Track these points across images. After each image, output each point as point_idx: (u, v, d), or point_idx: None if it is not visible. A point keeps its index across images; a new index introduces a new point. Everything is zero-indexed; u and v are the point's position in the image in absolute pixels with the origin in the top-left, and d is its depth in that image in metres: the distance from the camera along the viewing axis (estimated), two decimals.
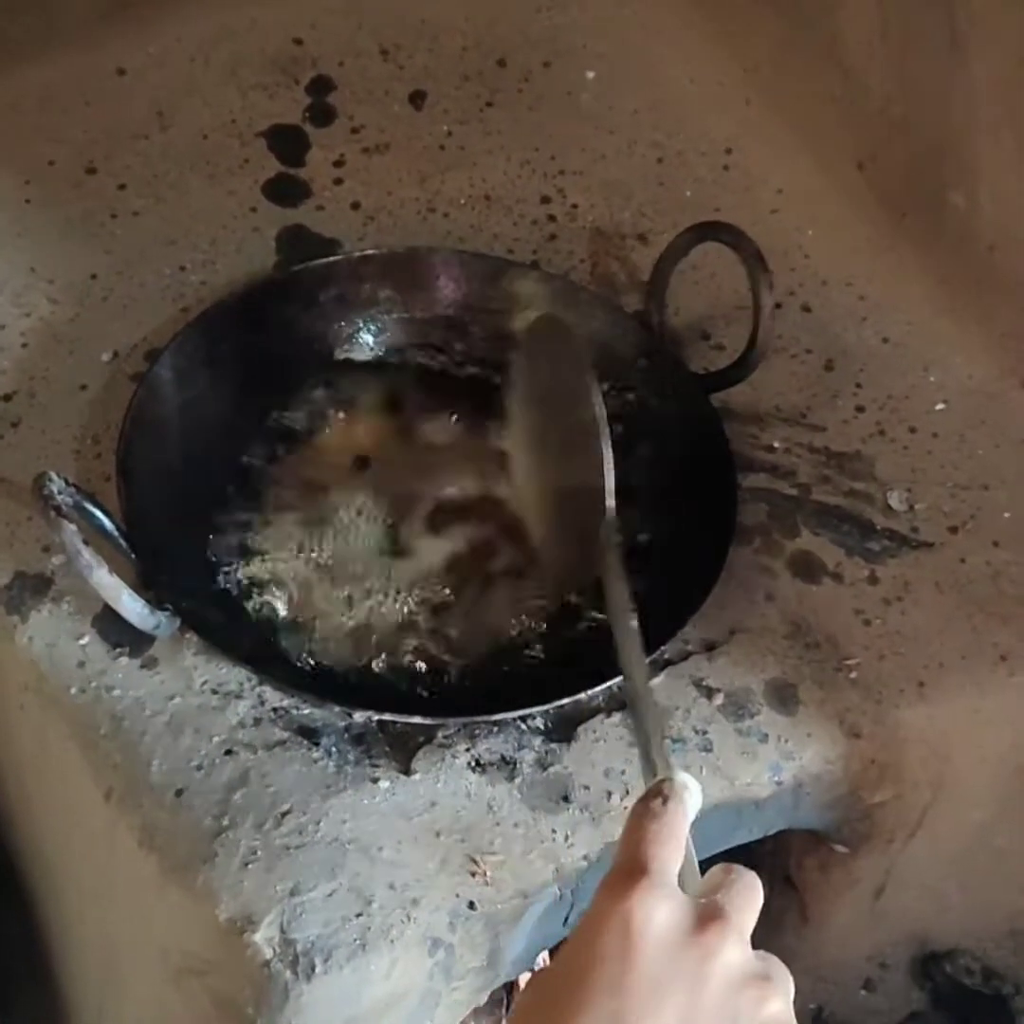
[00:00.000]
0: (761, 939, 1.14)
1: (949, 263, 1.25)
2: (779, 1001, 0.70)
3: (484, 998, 1.02)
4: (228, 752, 0.99)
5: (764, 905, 1.23)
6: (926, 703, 1.06)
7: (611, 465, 0.99)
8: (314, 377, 1.17)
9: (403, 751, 1.00)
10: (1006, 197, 1.18)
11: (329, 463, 1.13)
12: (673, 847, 0.72)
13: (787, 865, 1.20)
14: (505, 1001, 1.24)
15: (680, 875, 0.73)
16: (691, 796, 0.76)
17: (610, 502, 0.99)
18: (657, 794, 0.75)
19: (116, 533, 1.02)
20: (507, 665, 1.05)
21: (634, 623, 0.91)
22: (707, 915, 0.70)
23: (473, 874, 0.96)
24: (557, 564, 1.07)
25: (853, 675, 1.07)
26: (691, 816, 0.75)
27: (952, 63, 1.19)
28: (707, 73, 1.42)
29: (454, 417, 1.17)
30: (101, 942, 1.12)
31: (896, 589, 1.11)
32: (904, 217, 1.28)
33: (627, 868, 0.71)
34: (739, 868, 0.74)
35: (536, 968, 1.05)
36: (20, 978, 1.25)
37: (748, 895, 0.72)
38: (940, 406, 1.22)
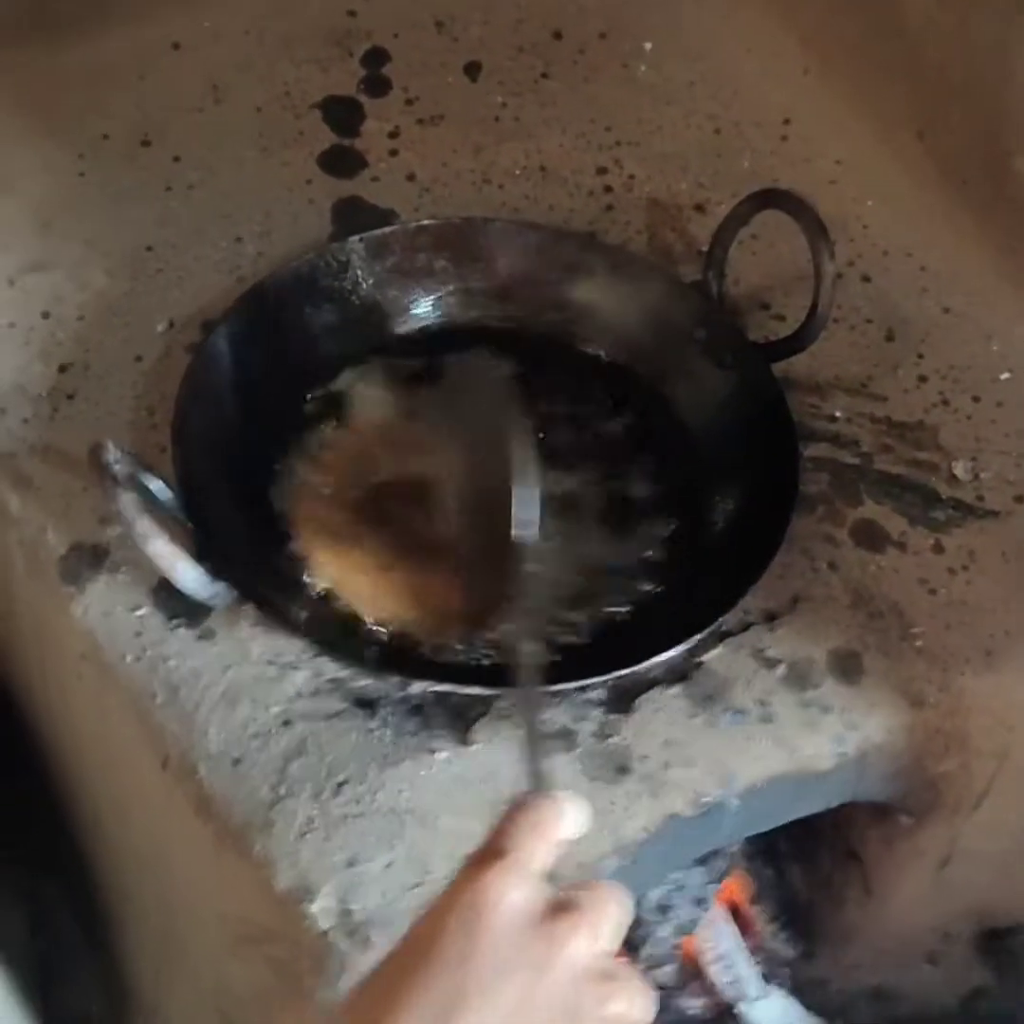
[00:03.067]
0: (824, 913, 1.14)
1: (1011, 231, 1.23)
2: (622, 1003, 0.69)
3: None
4: (285, 722, 0.98)
5: (826, 879, 1.23)
6: (992, 672, 1.05)
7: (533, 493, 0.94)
8: (369, 347, 1.17)
9: (461, 722, 1.00)
10: None
11: (383, 433, 1.12)
12: (539, 840, 0.72)
13: (850, 838, 1.19)
14: None
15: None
16: (574, 812, 0.75)
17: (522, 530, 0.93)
18: (535, 797, 0.75)
19: (172, 503, 1.02)
20: (567, 635, 1.04)
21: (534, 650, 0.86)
22: (560, 907, 0.70)
23: None
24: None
25: (918, 644, 1.05)
26: (570, 830, 0.74)
27: (1012, 29, 1.17)
28: (764, 43, 1.40)
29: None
30: (159, 910, 1.12)
31: (961, 558, 1.10)
32: (965, 185, 1.26)
33: (487, 851, 0.72)
34: (610, 883, 0.74)
35: None
36: (79, 945, 1.26)
37: (609, 900, 0.72)
38: (1004, 375, 1.20)
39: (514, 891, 0.69)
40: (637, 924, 1.22)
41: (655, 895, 1.21)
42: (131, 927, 1.20)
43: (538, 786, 0.78)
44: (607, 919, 0.71)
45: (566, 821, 0.74)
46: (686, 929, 1.25)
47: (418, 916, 0.71)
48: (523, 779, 0.79)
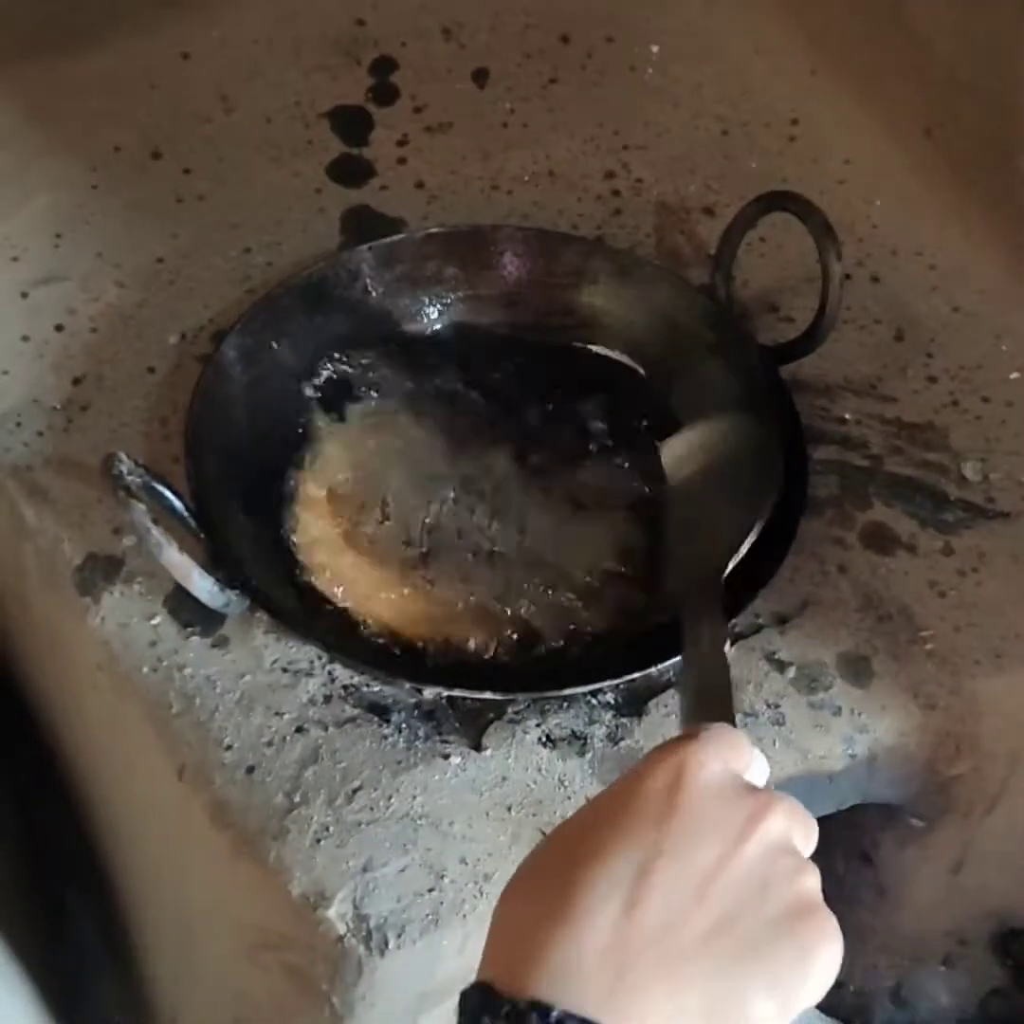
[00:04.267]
0: (838, 915, 1.13)
1: (1021, 230, 1.23)
2: (812, 879, 0.70)
3: None
4: (299, 729, 0.99)
5: (839, 881, 1.23)
6: (1003, 674, 1.05)
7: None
8: (379, 356, 1.17)
9: (474, 727, 1.00)
10: None
11: (397, 440, 1.13)
12: (737, 743, 0.73)
13: (862, 841, 1.19)
14: None
15: None
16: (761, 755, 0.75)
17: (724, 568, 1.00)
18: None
19: (185, 513, 1.02)
20: (577, 640, 1.05)
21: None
22: (756, 790, 0.71)
23: None
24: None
25: (928, 647, 1.05)
26: (758, 766, 0.75)
27: (1021, 25, 1.17)
28: (771, 44, 1.40)
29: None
30: (176, 917, 1.13)
31: (971, 560, 1.10)
32: (974, 184, 1.26)
33: (682, 736, 0.73)
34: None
35: None
36: (97, 953, 1.26)
37: (802, 809, 0.72)
38: (1014, 375, 1.20)
39: (714, 764, 0.70)
40: None
41: None
42: (149, 935, 1.21)
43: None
44: (801, 817, 0.71)
45: (756, 755, 0.75)
46: None
47: (607, 790, 0.72)
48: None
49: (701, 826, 0.68)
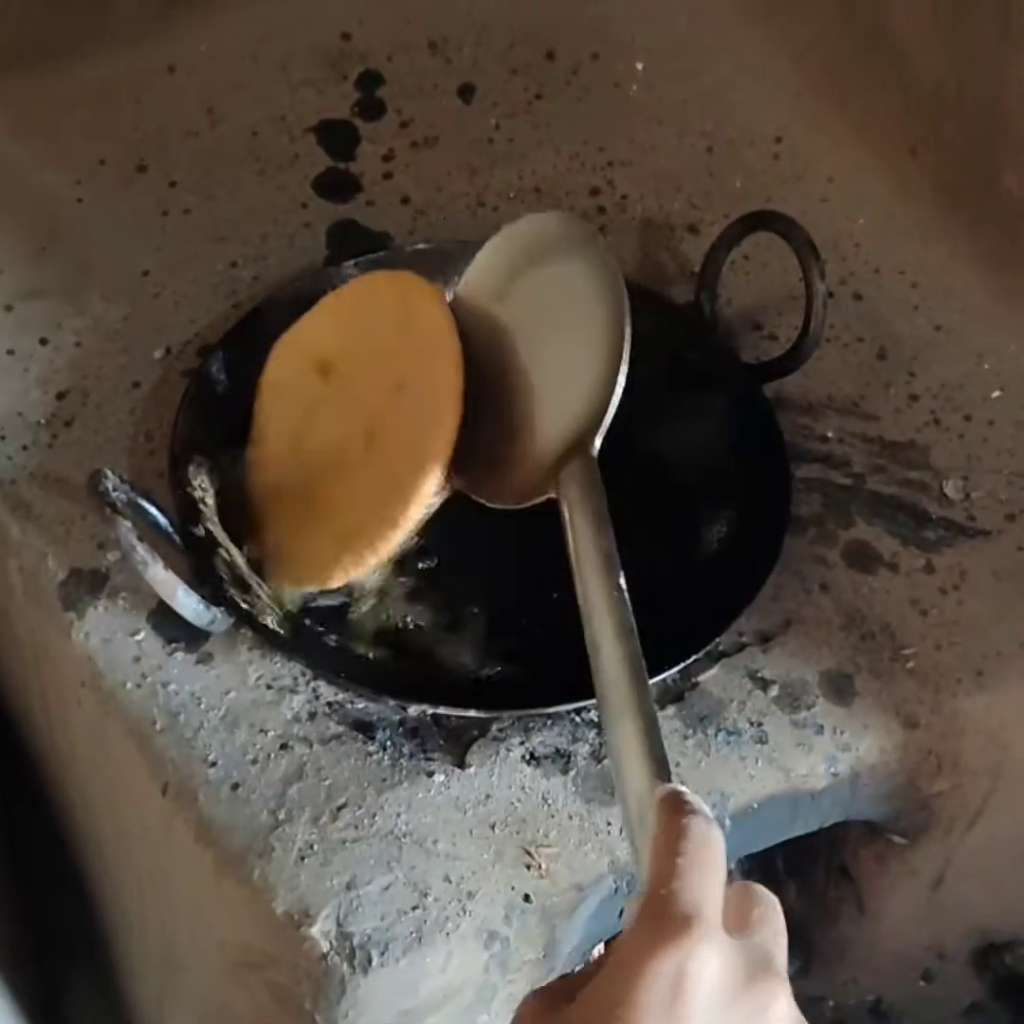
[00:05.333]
0: (819, 930, 1.14)
1: (1003, 249, 1.24)
2: None
3: None
4: (283, 746, 0.99)
5: (821, 896, 1.24)
6: (984, 692, 1.06)
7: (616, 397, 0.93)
8: None
9: (458, 745, 1.00)
10: None
11: None
12: (717, 880, 0.65)
13: (843, 856, 1.19)
14: None
15: None
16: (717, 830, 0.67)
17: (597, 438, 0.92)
18: (681, 807, 0.67)
19: (170, 529, 1.03)
20: (562, 657, 1.05)
21: (620, 581, 0.82)
22: (759, 966, 0.64)
23: (528, 867, 0.96)
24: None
25: (910, 665, 1.06)
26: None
27: (1005, 44, 1.18)
28: (756, 62, 1.41)
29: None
30: (160, 935, 1.13)
31: (953, 578, 1.10)
32: (957, 202, 1.27)
33: (673, 914, 0.63)
34: (762, 894, 0.69)
35: (590, 958, 1.04)
36: (81, 970, 1.26)
37: (781, 929, 0.67)
38: (996, 393, 1.21)
39: (714, 962, 0.62)
40: None
41: None
42: (134, 953, 1.21)
43: (662, 775, 0.71)
44: (785, 953, 0.67)
45: (722, 843, 0.67)
46: None
47: (599, 986, 0.64)
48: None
49: None
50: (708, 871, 0.65)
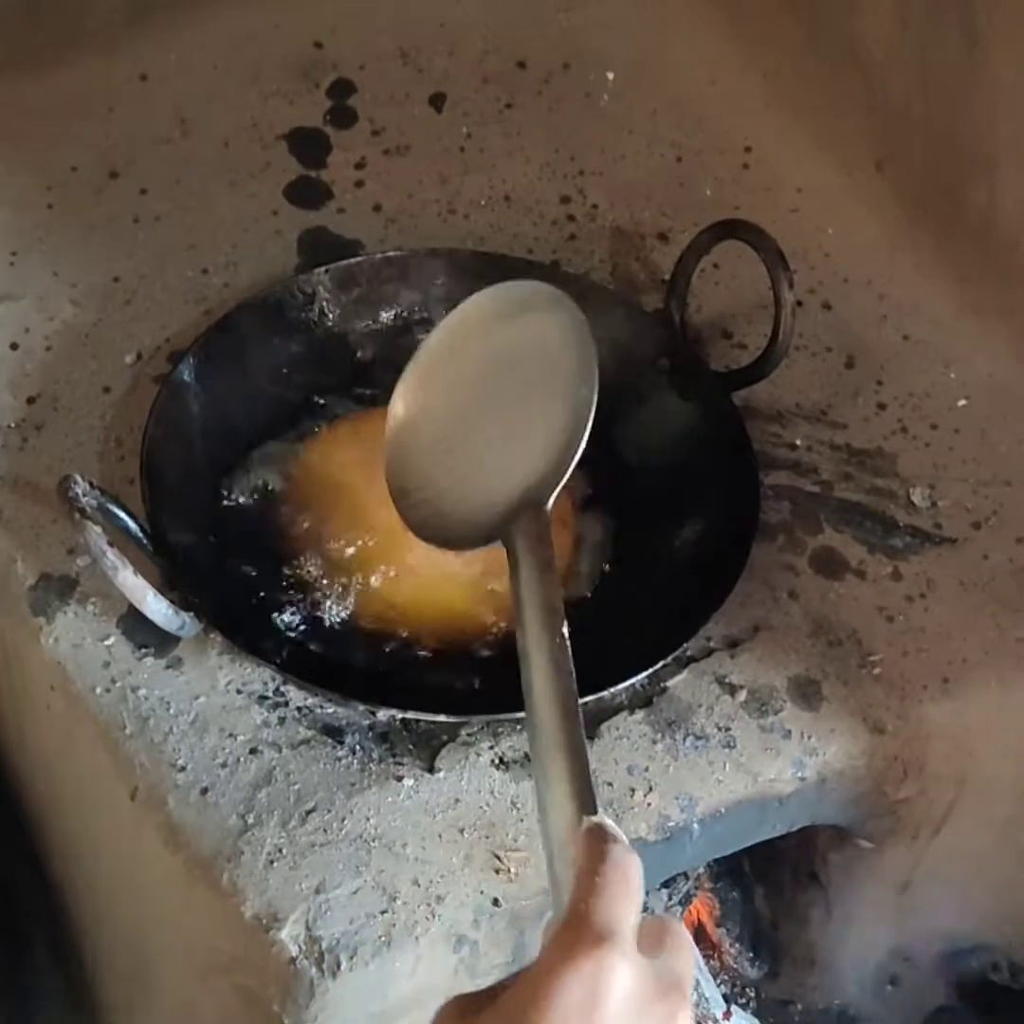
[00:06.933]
0: (787, 935, 1.15)
1: (969, 260, 1.25)
2: None
3: None
4: (253, 751, 0.99)
5: (789, 901, 1.24)
6: (950, 699, 1.06)
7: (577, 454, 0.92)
8: (336, 378, 1.18)
9: (427, 749, 1.01)
10: None
11: (351, 461, 1.13)
12: (635, 902, 0.67)
13: (812, 860, 1.20)
14: None
15: None
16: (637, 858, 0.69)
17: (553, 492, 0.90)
18: (604, 837, 0.69)
19: (140, 534, 1.03)
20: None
21: (563, 630, 0.81)
22: (669, 984, 0.66)
23: (497, 871, 0.96)
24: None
25: (876, 671, 1.07)
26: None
27: (971, 61, 1.19)
28: (726, 73, 1.42)
29: None
30: (130, 939, 1.13)
31: (919, 585, 1.11)
32: (924, 215, 1.28)
33: (591, 928, 0.65)
34: (677, 927, 0.71)
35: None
36: (52, 972, 1.26)
37: (690, 959, 0.70)
38: (962, 402, 1.22)
39: (628, 976, 0.64)
40: None
41: None
42: (104, 956, 1.20)
43: (588, 809, 0.72)
44: (691, 982, 0.69)
45: (640, 870, 0.69)
46: None
47: (512, 996, 0.65)
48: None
49: None
50: (625, 893, 0.67)
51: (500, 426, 0.99)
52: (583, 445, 0.92)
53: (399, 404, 1.03)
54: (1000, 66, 1.17)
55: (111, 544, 0.97)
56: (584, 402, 0.94)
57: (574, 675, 0.80)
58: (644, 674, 1.03)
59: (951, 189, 1.25)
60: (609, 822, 0.71)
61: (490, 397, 1.01)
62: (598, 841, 0.69)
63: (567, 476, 0.92)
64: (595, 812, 0.72)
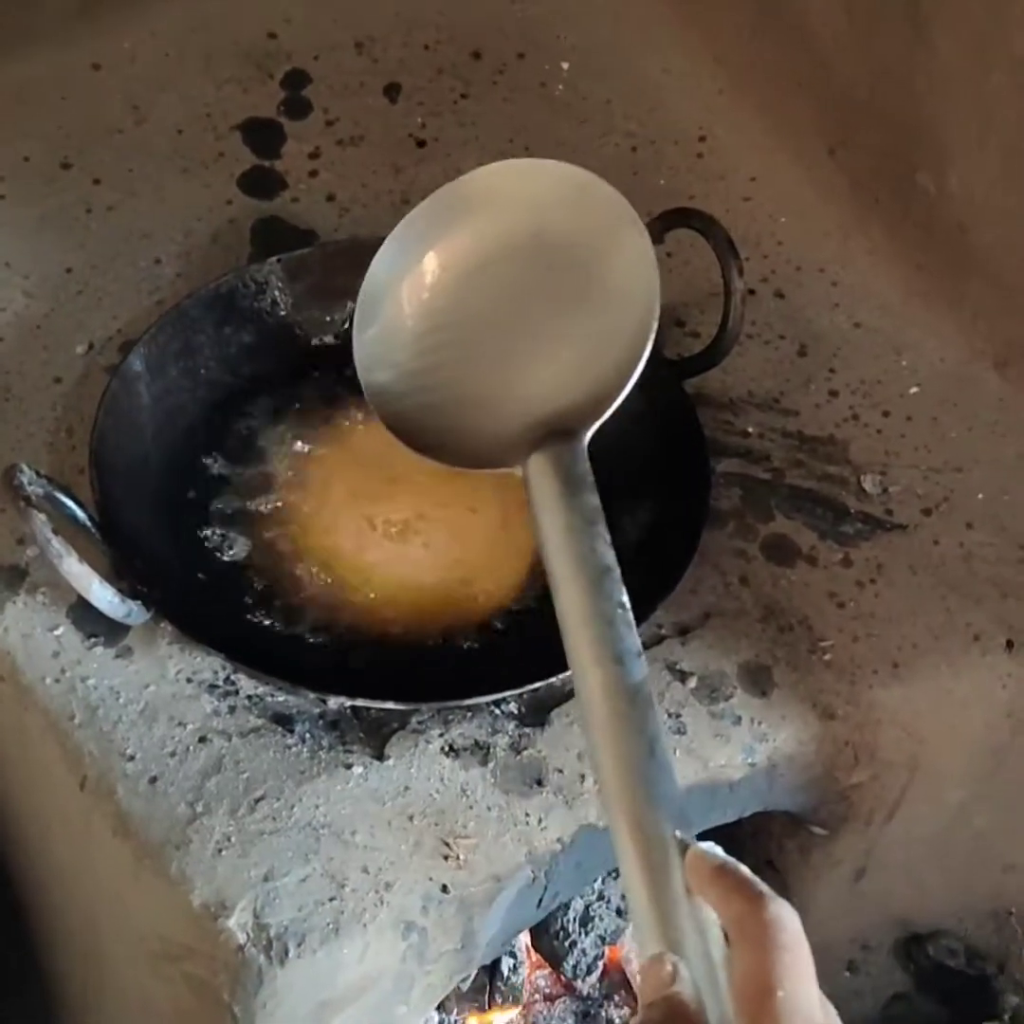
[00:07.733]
0: None
1: (920, 247, 1.26)
2: None
3: (460, 982, 1.02)
4: (202, 739, 0.99)
5: None
6: (900, 684, 1.07)
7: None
8: (288, 368, 1.18)
9: (377, 737, 1.01)
10: (974, 178, 1.19)
11: (303, 451, 1.13)
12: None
13: (768, 848, 1.20)
14: (488, 988, 1.25)
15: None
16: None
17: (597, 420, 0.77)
18: (748, 886, 0.64)
19: (89, 523, 1.02)
20: (480, 649, 1.05)
21: (622, 598, 0.68)
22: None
23: (446, 858, 0.96)
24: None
25: (827, 657, 1.07)
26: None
27: (917, 46, 1.19)
28: (679, 62, 1.42)
29: None
30: (84, 929, 1.12)
31: (869, 571, 1.12)
32: (875, 202, 1.29)
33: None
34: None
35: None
36: (6, 962, 1.26)
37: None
38: (913, 389, 1.22)
39: None
40: (560, 935, 1.23)
41: (577, 905, 1.22)
42: (58, 945, 1.20)
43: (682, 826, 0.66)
44: None
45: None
46: (610, 939, 1.26)
47: None
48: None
49: None
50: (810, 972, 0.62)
51: (524, 324, 0.85)
52: (638, 371, 0.80)
53: (382, 263, 0.85)
54: (945, 51, 1.17)
55: (56, 532, 0.97)
56: (643, 323, 0.82)
57: (643, 654, 0.66)
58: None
59: (902, 176, 1.25)
60: (724, 856, 0.64)
61: (516, 284, 0.88)
62: (743, 889, 0.63)
63: (614, 408, 0.79)
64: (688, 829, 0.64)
